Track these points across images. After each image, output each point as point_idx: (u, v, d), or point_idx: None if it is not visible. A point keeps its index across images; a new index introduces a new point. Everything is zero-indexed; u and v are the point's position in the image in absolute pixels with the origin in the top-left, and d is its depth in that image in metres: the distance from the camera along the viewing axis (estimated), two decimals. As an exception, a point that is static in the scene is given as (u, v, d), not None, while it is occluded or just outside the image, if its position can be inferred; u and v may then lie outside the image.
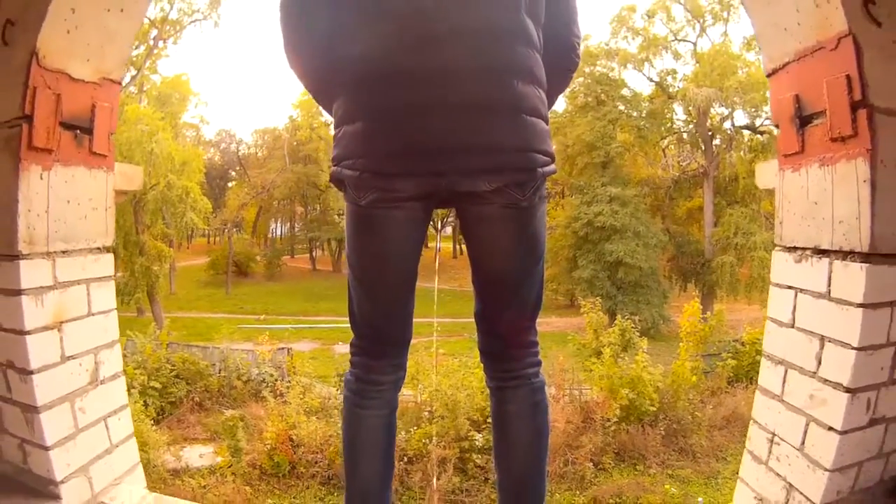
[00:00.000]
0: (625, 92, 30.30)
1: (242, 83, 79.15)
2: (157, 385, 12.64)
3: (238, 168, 46.52)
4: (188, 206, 25.01)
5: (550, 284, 28.69)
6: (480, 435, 10.00)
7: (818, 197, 1.68)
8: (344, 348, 15.87)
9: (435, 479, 8.93)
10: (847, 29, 1.59)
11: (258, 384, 13.78)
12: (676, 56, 30.23)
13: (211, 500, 9.28)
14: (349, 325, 1.52)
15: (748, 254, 24.82)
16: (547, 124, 1.37)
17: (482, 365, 1.55)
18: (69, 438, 1.78)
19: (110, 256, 1.94)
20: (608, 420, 11.28)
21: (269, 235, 48.32)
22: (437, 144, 1.26)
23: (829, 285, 1.64)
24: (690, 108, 28.78)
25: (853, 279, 1.56)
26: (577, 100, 29.73)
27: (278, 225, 49.27)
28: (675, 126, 31.51)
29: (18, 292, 1.65)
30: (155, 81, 29.87)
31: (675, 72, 30.51)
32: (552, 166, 1.37)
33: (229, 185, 47.35)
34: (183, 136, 35.17)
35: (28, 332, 1.66)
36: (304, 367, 14.28)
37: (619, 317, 15.00)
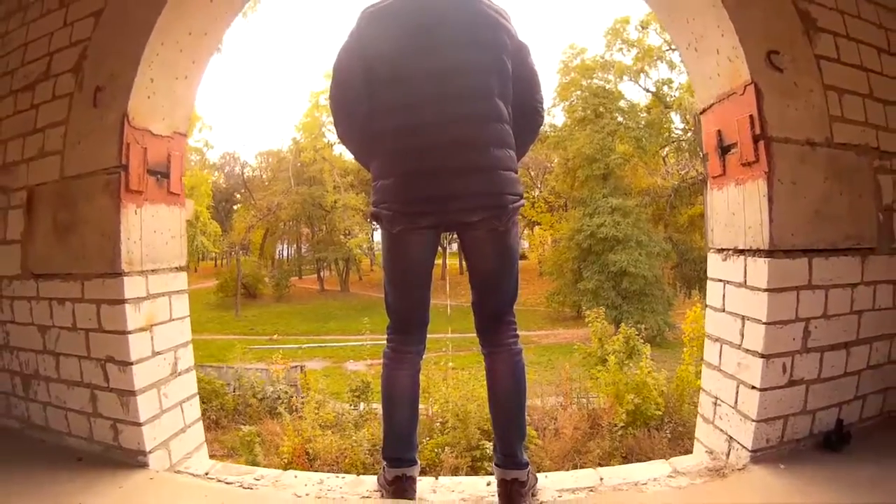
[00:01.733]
0: (622, 103, 30.52)
1: (245, 106, 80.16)
2: (175, 404, 13.03)
3: (243, 191, 47.02)
4: (198, 230, 25.60)
5: (556, 297, 29.04)
6: (491, 444, 10.17)
7: (735, 209, 2.17)
8: (355, 366, 16.32)
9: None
10: (750, 79, 2.10)
11: (273, 401, 14.11)
12: (671, 66, 30.47)
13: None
14: (385, 313, 2.07)
15: (749, 259, 24.98)
16: (516, 173, 1.94)
17: (478, 339, 2.07)
18: (156, 417, 2.27)
19: (184, 274, 2.45)
20: (615, 425, 11.38)
21: (277, 257, 48.60)
22: (442, 194, 1.86)
23: (745, 276, 2.13)
24: (687, 116, 29.15)
25: (760, 271, 2.05)
26: (576, 114, 30.05)
27: (285, 246, 49.67)
28: (673, 135, 31.82)
29: (122, 301, 2.16)
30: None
31: (670, 81, 30.85)
32: (521, 202, 1.94)
33: (235, 207, 47.82)
34: (188, 159, 35.68)
35: (130, 332, 2.17)
36: (318, 384, 14.59)
37: (623, 325, 15.26)
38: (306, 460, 11.10)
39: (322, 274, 42.95)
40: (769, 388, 2.07)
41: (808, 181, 2.10)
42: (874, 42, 2.33)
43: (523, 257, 43.72)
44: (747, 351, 2.11)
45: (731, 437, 2.20)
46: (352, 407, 12.84)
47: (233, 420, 14.10)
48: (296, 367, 16.32)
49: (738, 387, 2.16)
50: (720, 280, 2.28)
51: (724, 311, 2.25)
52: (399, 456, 2.03)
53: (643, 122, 30.07)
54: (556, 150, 31.30)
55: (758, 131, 2.06)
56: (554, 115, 32.38)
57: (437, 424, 10.89)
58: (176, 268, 2.43)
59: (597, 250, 26.63)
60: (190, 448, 2.43)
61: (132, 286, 2.20)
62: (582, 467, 10.61)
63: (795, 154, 2.09)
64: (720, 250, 2.29)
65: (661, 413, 11.79)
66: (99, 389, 2.28)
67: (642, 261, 25.63)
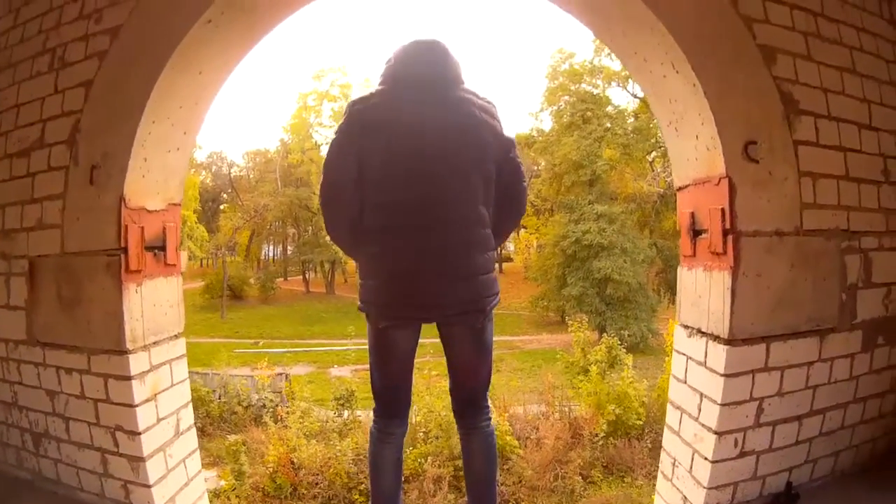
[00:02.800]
0: (609, 109, 30.66)
1: (233, 104, 79.49)
2: (161, 414, 13.06)
3: (230, 191, 46.83)
4: (185, 234, 25.51)
5: (541, 302, 29.25)
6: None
7: (701, 292, 2.34)
8: (339, 371, 16.38)
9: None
10: (725, 172, 2.21)
11: (258, 409, 14.15)
12: (659, 72, 30.62)
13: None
14: (372, 397, 2.26)
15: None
16: (493, 273, 2.13)
17: (455, 420, 2.31)
18: (163, 478, 2.43)
19: (183, 340, 2.59)
20: (596, 435, 11.49)
21: (263, 258, 48.43)
22: (426, 298, 2.05)
23: (706, 357, 2.30)
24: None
25: (718, 356, 2.22)
26: (563, 119, 30.11)
27: (271, 247, 49.52)
28: (660, 140, 31.95)
29: (129, 377, 2.31)
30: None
31: (658, 87, 30.92)
32: (496, 300, 2.13)
33: (221, 207, 47.53)
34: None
35: (137, 405, 2.32)
36: (302, 392, 14.58)
37: (605, 334, 15.42)
38: (291, 469, 11.16)
39: (308, 276, 42.81)
40: (721, 460, 2.25)
41: (773, 271, 2.22)
42: (855, 118, 2.39)
43: (509, 260, 43.97)
44: (703, 425, 2.29)
45: (685, 497, 2.39)
46: (335, 414, 12.85)
47: (218, 427, 14.06)
48: (281, 374, 16.32)
49: (693, 455, 2.35)
50: (684, 354, 2.46)
51: (685, 383, 2.43)
52: None
53: (630, 128, 30.15)
54: (543, 155, 31.44)
55: (728, 225, 2.19)
56: (541, 120, 32.54)
57: (421, 434, 10.96)
58: (174, 335, 2.58)
59: (581, 256, 26.77)
60: (193, 499, 2.60)
61: (137, 362, 2.34)
62: (563, 477, 10.80)
63: (763, 246, 2.21)
64: (686, 326, 2.46)
65: (641, 423, 11.88)
66: (109, 454, 2.43)
67: (627, 268, 25.81)
